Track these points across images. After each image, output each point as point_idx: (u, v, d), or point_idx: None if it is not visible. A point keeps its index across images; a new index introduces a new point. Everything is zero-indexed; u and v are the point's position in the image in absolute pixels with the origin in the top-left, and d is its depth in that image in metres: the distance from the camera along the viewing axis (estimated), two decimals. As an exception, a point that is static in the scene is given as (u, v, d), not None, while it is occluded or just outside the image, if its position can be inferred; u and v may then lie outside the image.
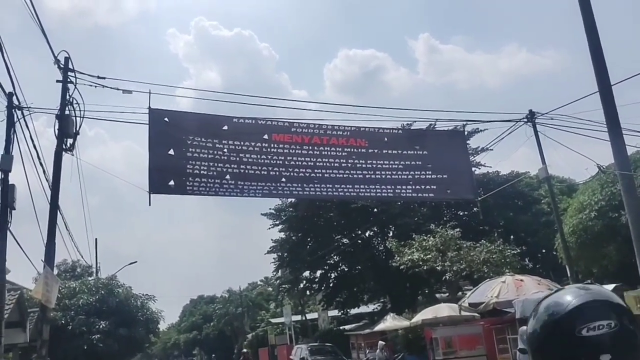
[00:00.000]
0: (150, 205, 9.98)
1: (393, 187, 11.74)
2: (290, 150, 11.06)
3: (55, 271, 12.46)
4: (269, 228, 32.12)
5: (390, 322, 22.70)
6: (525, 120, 14.46)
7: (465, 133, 14.70)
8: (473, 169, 22.67)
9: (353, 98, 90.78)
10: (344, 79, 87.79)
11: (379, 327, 23.13)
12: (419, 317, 19.37)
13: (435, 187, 11.96)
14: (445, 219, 27.44)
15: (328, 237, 31.02)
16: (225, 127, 10.80)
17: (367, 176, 11.55)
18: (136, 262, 30.19)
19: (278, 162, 10.89)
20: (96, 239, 26.44)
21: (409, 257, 20.64)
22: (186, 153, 10.30)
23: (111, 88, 10.42)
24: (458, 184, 12.57)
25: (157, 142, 10.25)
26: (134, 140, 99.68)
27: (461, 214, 29.46)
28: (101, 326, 20.41)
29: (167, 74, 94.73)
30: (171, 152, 10.25)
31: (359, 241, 30.76)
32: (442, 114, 15.94)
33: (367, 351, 23.04)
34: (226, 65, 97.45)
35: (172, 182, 10.15)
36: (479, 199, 14.19)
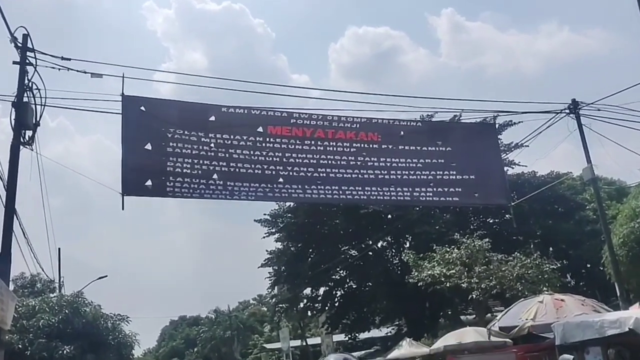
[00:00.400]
0: (123, 209, 9.92)
1: (410, 189, 11.72)
2: (289, 146, 11.06)
3: (11, 287, 12.49)
4: (264, 237, 32.19)
5: (407, 348, 22.60)
6: (567, 111, 14.40)
7: (496, 126, 14.67)
8: (505, 168, 22.62)
9: (363, 84, 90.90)
10: (352, 62, 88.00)
11: (393, 354, 23.05)
12: (440, 343, 19.25)
13: (460, 189, 11.93)
14: (472, 227, 27.39)
15: (333, 248, 31.01)
16: (213, 118, 10.79)
17: (379, 176, 11.54)
18: (106, 276, 30.15)
19: (275, 159, 10.88)
20: (59, 249, 26.48)
21: (429, 272, 20.56)
22: (166, 148, 10.28)
23: (78, 71, 10.38)
24: (487, 186, 12.54)
25: (131, 135, 10.23)
26: (104, 133, 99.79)
27: (491, 221, 29.41)
28: (65, 351, 20.36)
29: (144, 55, 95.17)
30: (148, 146, 10.24)
31: (370, 253, 30.76)
32: (469, 103, 15.90)
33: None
34: (213, 45, 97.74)
35: (149, 183, 10.14)
36: (512, 204, 14.13)
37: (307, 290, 33.01)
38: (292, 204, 30.26)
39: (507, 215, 27.75)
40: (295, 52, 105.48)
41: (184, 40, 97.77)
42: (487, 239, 21.59)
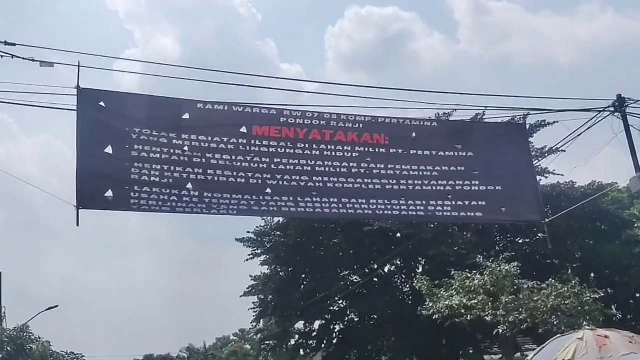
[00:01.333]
0: (78, 225, 9.96)
1: (424, 202, 11.73)
2: (279, 150, 11.08)
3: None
4: (247, 259, 32.06)
5: (419, 395, 22.58)
6: (612, 109, 14.41)
7: (527, 127, 14.72)
8: (538, 178, 22.70)
9: (367, 76, 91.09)
10: (353, 49, 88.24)
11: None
12: (459, 389, 19.26)
13: (484, 203, 11.94)
14: (497, 248, 27.35)
15: (331, 273, 30.93)
16: (187, 116, 10.82)
17: (387, 187, 11.57)
18: (57, 306, 30.09)
19: (261, 166, 10.90)
20: (0, 273, 26.39)
21: (446, 303, 20.48)
22: (130, 152, 10.30)
23: (24, 59, 10.39)
24: (516, 199, 12.55)
25: (88, 136, 10.26)
26: (55, 132, 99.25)
27: (520, 242, 29.38)
28: (6, 398, 20.31)
29: (104, 40, 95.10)
30: (109, 150, 10.27)
31: (375, 279, 30.69)
32: (493, 99, 15.90)
33: None
34: (187, 29, 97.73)
35: (109, 193, 10.15)
36: (546, 220, 14.11)
37: (300, 324, 32.87)
38: (281, 219, 30.13)
39: (539, 235, 27.59)
40: (286, 37, 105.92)
41: (151, 22, 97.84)
42: (515, 263, 21.50)
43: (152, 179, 10.31)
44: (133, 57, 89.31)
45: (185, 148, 10.61)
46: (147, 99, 11.23)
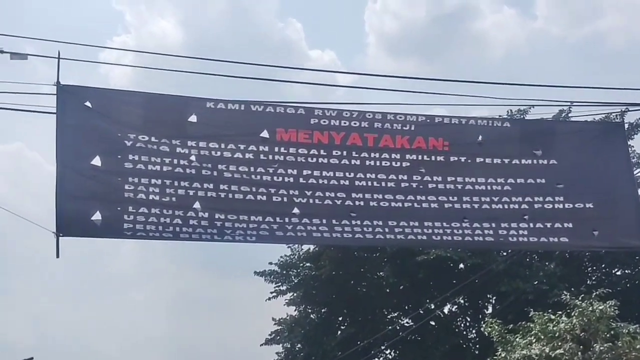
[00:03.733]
0: (58, 257, 9.98)
1: (494, 225, 11.62)
2: (309, 159, 11.07)
3: None
4: (270, 298, 32.17)
5: None
6: None
7: (625, 126, 14.59)
8: (640, 191, 22.45)
9: (418, 64, 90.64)
10: (401, 30, 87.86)
11: None
12: None
13: (571, 225, 11.79)
14: (589, 282, 27.13)
15: (375, 314, 30.97)
16: (193, 118, 10.86)
17: (446, 205, 11.47)
18: (32, 359, 30.41)
19: (287, 179, 10.90)
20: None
21: (523, 352, 20.34)
22: (123, 164, 10.35)
23: (-8, 50, 10.58)
24: (613, 219, 12.35)
25: (71, 144, 10.33)
26: (28, 141, 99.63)
27: (619, 273, 29.13)
28: None
29: (88, 25, 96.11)
30: (97, 161, 10.30)
31: (432, 323, 30.63)
32: (582, 92, 15.73)
33: None
34: (190, 9, 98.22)
35: (97, 216, 10.17)
36: (652, 247, 13.99)
37: (337, 381, 32.90)
38: (312, 247, 30.26)
39: (643, 265, 27.44)
40: (315, 16, 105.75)
41: (146, 2, 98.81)
42: (613, 302, 21.32)
43: (151, 197, 10.33)
44: (124, 45, 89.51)
45: (192, 158, 10.63)
46: (144, 97, 11.25)
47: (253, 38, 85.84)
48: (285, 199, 10.87)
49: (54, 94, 10.30)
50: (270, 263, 31.75)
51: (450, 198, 11.50)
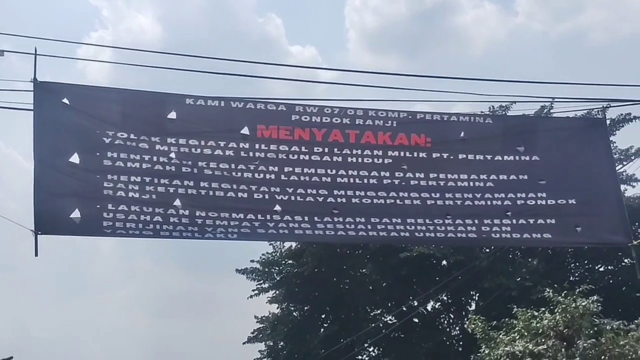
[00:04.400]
0: (37, 255, 9.93)
1: (476, 221, 11.63)
2: (290, 156, 11.06)
3: None
4: (251, 296, 32.12)
5: None
6: None
7: (607, 122, 14.61)
8: (623, 187, 22.49)
9: (399, 60, 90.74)
10: (381, 26, 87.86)
11: None
12: None
13: (553, 221, 11.82)
14: (572, 279, 27.22)
15: (359, 312, 30.97)
16: (173, 115, 10.82)
17: (428, 202, 11.49)
18: (12, 358, 30.25)
19: (268, 176, 10.88)
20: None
21: (506, 349, 20.37)
22: (102, 161, 10.31)
23: (-36, 47, 10.52)
24: (595, 215, 12.41)
25: (49, 141, 10.29)
26: (5, 138, 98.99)
27: (601, 269, 29.28)
28: None
29: (64, 21, 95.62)
30: (75, 159, 10.25)
31: (416, 320, 30.67)
32: (563, 88, 15.76)
33: None
34: (168, 4, 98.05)
35: (76, 214, 10.12)
36: (634, 243, 14.00)
37: (320, 379, 32.90)
38: (294, 245, 30.23)
39: (625, 260, 27.51)
40: (295, 12, 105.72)
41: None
42: (595, 297, 21.38)
43: (130, 194, 10.30)
44: (101, 41, 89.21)
45: (172, 155, 10.59)
46: (123, 94, 11.17)
47: (232, 34, 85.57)
48: (266, 196, 10.85)
49: (31, 91, 10.25)
50: (252, 261, 31.76)
51: (433, 195, 11.51)
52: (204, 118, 10.97)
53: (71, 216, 10.09)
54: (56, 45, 11.45)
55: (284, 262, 31.57)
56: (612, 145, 18.65)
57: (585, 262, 29.42)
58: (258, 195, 10.80)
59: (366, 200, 11.22)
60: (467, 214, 11.56)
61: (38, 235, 9.85)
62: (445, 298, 30.61)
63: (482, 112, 15.07)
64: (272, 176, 10.91)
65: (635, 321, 20.16)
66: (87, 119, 10.49)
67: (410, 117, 11.81)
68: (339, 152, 11.25)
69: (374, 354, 32.07)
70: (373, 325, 30.53)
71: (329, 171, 11.16)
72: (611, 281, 27.90)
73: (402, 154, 11.51)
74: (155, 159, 10.51)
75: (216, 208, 10.61)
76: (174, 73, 11.88)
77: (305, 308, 32.05)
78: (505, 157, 11.98)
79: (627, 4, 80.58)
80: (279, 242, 30.37)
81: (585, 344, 19.40)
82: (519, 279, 26.61)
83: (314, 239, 15.65)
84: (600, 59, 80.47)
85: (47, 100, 10.31)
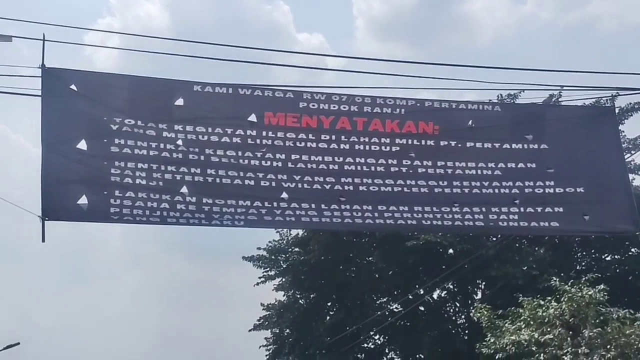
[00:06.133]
0: (44, 241, 9.93)
1: (484, 209, 11.60)
2: (297, 143, 11.03)
3: None
4: (258, 283, 32.16)
5: None
6: None
7: (616, 111, 14.56)
8: (631, 176, 22.43)
9: (407, 48, 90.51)
10: (389, 14, 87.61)
11: None
12: None
13: (561, 210, 11.80)
14: (578, 268, 27.21)
15: (365, 300, 30.99)
16: (180, 102, 10.80)
17: (436, 190, 11.46)
18: (19, 343, 30.37)
19: (275, 164, 10.87)
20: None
21: (512, 338, 20.38)
22: (110, 148, 10.30)
23: (-27, 32, 10.49)
24: (603, 204, 12.36)
25: (56, 127, 10.29)
26: (12, 123, 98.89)
27: (608, 258, 29.24)
28: None
29: (73, 8, 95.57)
30: (82, 145, 10.25)
31: (422, 308, 30.71)
32: (572, 76, 15.74)
33: None
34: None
35: (83, 200, 10.13)
36: (643, 231, 13.99)
37: (326, 366, 32.94)
38: (301, 232, 30.23)
39: (633, 250, 27.49)
40: (303, 0, 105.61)
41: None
42: (602, 286, 21.38)
43: (138, 181, 10.29)
44: (109, 27, 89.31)
45: (179, 142, 10.58)
46: (131, 80, 11.14)
47: (240, 21, 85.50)
48: (273, 184, 10.83)
49: (39, 77, 10.23)
50: (259, 248, 31.77)
51: (440, 183, 11.48)
52: (211, 105, 10.96)
53: (78, 202, 10.10)
54: (63, 31, 11.39)
55: (290, 249, 31.58)
56: (620, 134, 18.59)
57: (592, 251, 29.37)
58: (265, 183, 10.78)
59: (373, 188, 11.19)
60: (475, 202, 11.53)
61: (45, 222, 9.85)
62: (451, 286, 30.64)
63: (490, 100, 15.08)
64: (279, 163, 10.90)
65: (643, 311, 20.16)
66: (94, 105, 10.49)
67: (418, 104, 11.76)
68: (346, 139, 11.22)
69: (379, 342, 32.11)
70: (379, 313, 30.54)
71: (336, 159, 11.12)
72: (618, 270, 27.83)
73: (409, 141, 11.46)
74: (162, 145, 10.50)
75: (223, 195, 10.60)
76: (180, 60, 11.81)
77: (312, 296, 32.06)
78: (514, 145, 11.92)
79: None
80: (285, 230, 30.40)
81: (591, 333, 19.43)
82: (525, 267, 26.55)
83: (320, 227, 15.70)
84: (608, 48, 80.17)
85: (55, 86, 10.29)
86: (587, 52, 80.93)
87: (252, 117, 10.97)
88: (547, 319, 20.33)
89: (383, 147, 11.33)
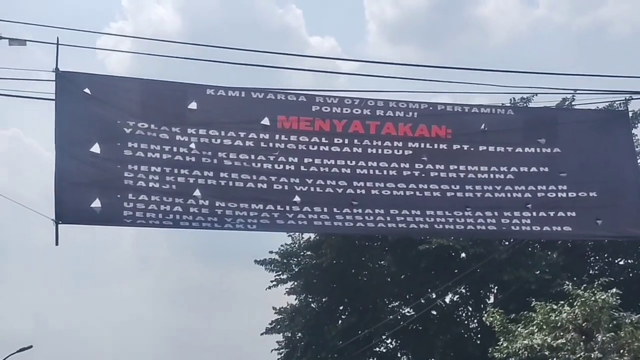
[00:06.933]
0: (57, 244, 9.97)
1: (496, 214, 11.57)
2: (310, 147, 11.03)
3: None
4: (270, 287, 32.16)
5: None
6: None
7: (629, 114, 14.54)
8: (644, 180, 22.38)
9: (419, 51, 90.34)
10: (401, 17, 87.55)
11: None
12: None
13: (574, 214, 11.75)
14: (591, 272, 27.10)
15: (377, 304, 30.94)
16: (193, 105, 10.82)
17: (448, 194, 11.43)
18: (31, 347, 30.49)
19: (288, 167, 10.87)
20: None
21: (525, 342, 20.33)
22: (123, 151, 10.32)
23: (-11, 36, 10.53)
24: (616, 208, 12.31)
25: (70, 130, 10.32)
26: (25, 127, 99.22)
27: (621, 263, 29.17)
28: None
29: (85, 13, 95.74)
30: (96, 149, 10.27)
31: (434, 312, 30.66)
32: (585, 80, 15.65)
33: None
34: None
35: (97, 204, 10.14)
36: (655, 236, 13.95)
37: (337, 370, 32.91)
38: (313, 236, 30.22)
39: (646, 254, 27.41)
40: (315, 3, 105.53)
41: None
42: (615, 291, 21.32)
43: (151, 184, 10.30)
44: (121, 32, 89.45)
45: (192, 145, 10.58)
46: (144, 84, 11.18)
47: (252, 25, 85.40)
48: (286, 187, 10.83)
49: (52, 80, 10.27)
50: (271, 252, 31.73)
51: (453, 187, 11.45)
52: (224, 108, 10.96)
53: (92, 206, 10.10)
54: (76, 35, 11.43)
55: (302, 253, 31.54)
56: (634, 137, 18.53)
57: (605, 255, 29.28)
58: (277, 186, 10.78)
59: (385, 192, 11.17)
60: (487, 206, 11.49)
61: (59, 225, 9.88)
62: (463, 291, 30.58)
63: (503, 103, 15.03)
64: (292, 167, 10.89)
65: (656, 315, 20.09)
66: (108, 109, 10.51)
67: (431, 108, 11.76)
68: (359, 143, 11.20)
69: (391, 346, 32.05)
70: (391, 317, 30.52)
71: (348, 162, 11.11)
72: (631, 275, 27.79)
73: (422, 145, 11.43)
74: (175, 149, 10.50)
75: (236, 199, 10.60)
76: (194, 64, 11.87)
77: (323, 299, 32.03)
78: (526, 149, 11.88)
79: (649, -4, 79.91)
80: (297, 233, 30.33)
81: (604, 338, 19.37)
82: (538, 272, 26.52)
83: (332, 231, 15.63)
84: (622, 51, 79.80)
85: (68, 90, 10.32)
86: (600, 55, 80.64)
87: (265, 121, 10.97)
88: (559, 323, 20.28)
89: (395, 151, 11.31)
